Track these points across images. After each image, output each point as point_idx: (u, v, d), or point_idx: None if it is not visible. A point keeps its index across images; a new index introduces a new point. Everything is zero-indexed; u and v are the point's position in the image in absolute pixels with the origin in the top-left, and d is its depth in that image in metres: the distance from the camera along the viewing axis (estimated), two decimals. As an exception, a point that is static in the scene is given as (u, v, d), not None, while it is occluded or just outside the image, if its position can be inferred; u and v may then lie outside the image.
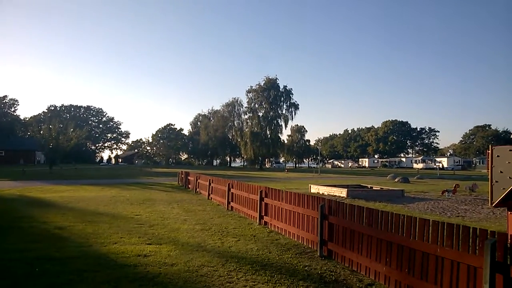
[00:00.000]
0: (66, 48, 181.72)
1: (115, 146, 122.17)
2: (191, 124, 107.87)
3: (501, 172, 14.28)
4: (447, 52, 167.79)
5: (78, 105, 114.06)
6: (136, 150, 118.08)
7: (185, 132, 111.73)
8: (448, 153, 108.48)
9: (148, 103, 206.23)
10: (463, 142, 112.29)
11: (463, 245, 4.18)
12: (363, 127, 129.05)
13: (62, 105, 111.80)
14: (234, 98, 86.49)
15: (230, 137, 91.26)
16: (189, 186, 21.24)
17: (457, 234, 4.27)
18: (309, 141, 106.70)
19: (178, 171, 28.17)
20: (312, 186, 20.45)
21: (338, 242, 6.45)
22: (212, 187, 15.54)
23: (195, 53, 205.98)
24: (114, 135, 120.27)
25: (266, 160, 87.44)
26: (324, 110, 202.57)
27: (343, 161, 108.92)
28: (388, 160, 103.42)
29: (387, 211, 5.57)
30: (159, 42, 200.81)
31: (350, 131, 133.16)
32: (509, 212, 7.92)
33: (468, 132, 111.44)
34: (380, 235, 5.42)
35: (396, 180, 31.66)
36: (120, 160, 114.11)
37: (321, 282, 5.45)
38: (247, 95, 72.72)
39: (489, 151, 15.11)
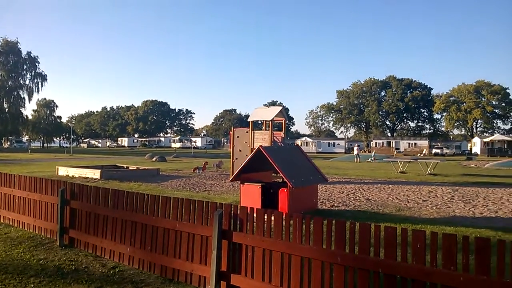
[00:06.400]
0: None
1: None
2: None
3: (240, 150, 16.68)
4: (197, 40, 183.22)
5: None
6: None
7: None
8: (202, 134, 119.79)
9: None
10: (214, 124, 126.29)
11: (198, 218, 4.55)
12: (123, 106, 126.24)
13: None
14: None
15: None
16: None
17: (194, 208, 4.61)
18: (60, 117, 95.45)
19: None
20: (60, 168, 18.40)
21: (81, 229, 5.95)
22: None
23: None
24: None
25: (4, 139, 73.35)
26: (79, 84, 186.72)
27: (100, 140, 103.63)
28: (148, 139, 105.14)
29: (132, 191, 5.51)
30: None
31: (108, 109, 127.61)
32: (241, 185, 9.34)
33: (218, 115, 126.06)
34: (125, 216, 5.31)
35: (154, 159, 32.44)
36: None
37: (58, 274, 4.90)
38: (-27, 57, 58.31)
39: (231, 132, 17.44)
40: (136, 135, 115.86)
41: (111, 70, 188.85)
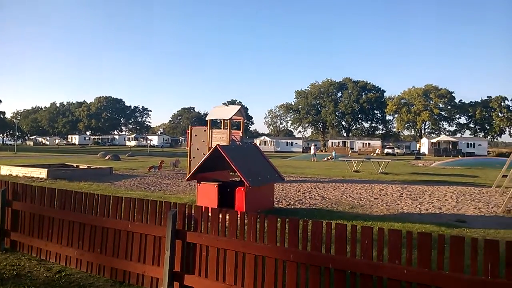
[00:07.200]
0: None
1: None
2: None
3: (197, 149, 16.50)
4: (153, 36, 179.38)
5: None
6: None
7: None
8: (159, 132, 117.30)
9: None
10: (172, 122, 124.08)
11: (151, 218, 4.44)
12: (74, 101, 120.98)
13: None
14: None
15: None
16: None
17: (146, 208, 4.49)
18: (4, 113, 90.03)
19: None
20: (2, 167, 17.27)
21: (24, 231, 5.62)
22: None
23: None
24: None
25: None
26: (26, 78, 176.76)
27: (49, 138, 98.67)
28: (100, 137, 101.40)
29: (81, 191, 5.28)
30: None
31: (58, 105, 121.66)
32: (198, 184, 9.24)
33: (176, 113, 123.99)
34: (72, 218, 5.07)
35: (107, 158, 31.37)
36: None
37: (-2, 280, 4.60)
38: None
39: (189, 131, 17.21)
40: (88, 133, 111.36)
41: (61, 64, 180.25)
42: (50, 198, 5.40)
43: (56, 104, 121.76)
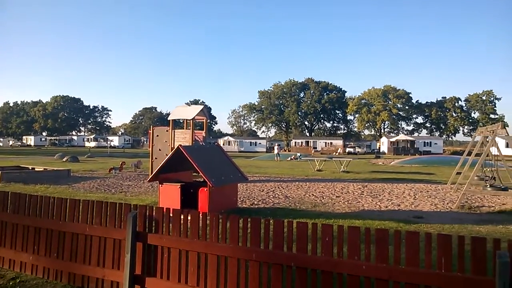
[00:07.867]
0: None
1: None
2: None
3: (160, 150, 16.20)
4: (114, 33, 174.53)
5: None
6: None
7: None
8: (120, 132, 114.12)
9: None
10: (133, 122, 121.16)
11: (111, 220, 4.32)
12: (29, 101, 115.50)
13: None
14: None
15: None
16: None
17: (106, 211, 4.37)
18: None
19: None
20: (-50, 170, 16.23)
21: (-26, 237, 5.30)
22: None
23: None
24: None
25: None
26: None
27: (2, 139, 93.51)
28: (58, 138, 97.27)
29: (36, 194, 5.05)
30: None
31: (12, 105, 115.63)
32: (160, 185, 9.09)
33: (137, 113, 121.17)
34: (27, 222, 4.85)
35: (64, 159, 30.19)
36: None
37: None
38: None
39: (151, 131, 16.86)
40: (44, 134, 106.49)
41: (14, 62, 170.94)
42: (3, 202, 5.13)
43: (9, 103, 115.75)
